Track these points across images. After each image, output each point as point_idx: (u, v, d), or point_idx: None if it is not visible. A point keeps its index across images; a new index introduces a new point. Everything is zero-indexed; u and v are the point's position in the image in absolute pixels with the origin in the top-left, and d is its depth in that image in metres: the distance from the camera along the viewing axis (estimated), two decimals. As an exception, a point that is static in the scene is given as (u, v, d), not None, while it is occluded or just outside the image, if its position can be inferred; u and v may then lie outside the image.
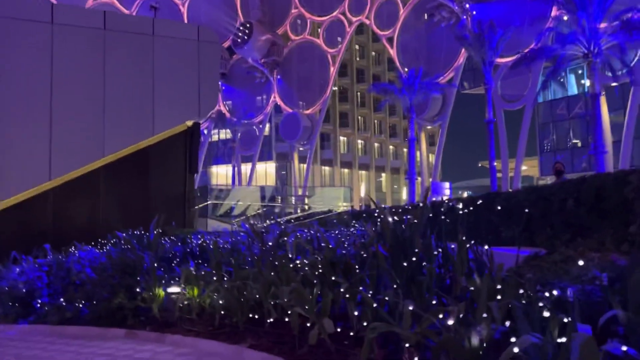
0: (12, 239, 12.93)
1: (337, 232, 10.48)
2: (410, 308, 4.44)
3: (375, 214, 8.05)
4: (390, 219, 6.04)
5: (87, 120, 14.60)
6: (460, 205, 5.76)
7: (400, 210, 8.83)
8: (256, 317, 6.96)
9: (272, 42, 58.89)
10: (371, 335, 4.43)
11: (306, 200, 39.14)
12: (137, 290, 8.63)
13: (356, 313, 5.23)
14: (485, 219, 8.22)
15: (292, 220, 16.74)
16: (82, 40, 14.55)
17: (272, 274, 7.19)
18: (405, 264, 5.51)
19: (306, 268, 6.65)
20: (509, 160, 41.76)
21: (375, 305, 4.80)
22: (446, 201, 7.29)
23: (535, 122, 43.44)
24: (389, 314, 4.81)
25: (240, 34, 58.15)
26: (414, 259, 5.52)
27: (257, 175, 61.41)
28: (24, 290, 9.66)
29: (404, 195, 64.75)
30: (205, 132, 59.06)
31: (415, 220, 5.86)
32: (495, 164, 37.26)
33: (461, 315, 4.11)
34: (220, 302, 7.25)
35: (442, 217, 6.43)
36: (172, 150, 15.64)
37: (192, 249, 10.84)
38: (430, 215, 6.43)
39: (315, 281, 6.24)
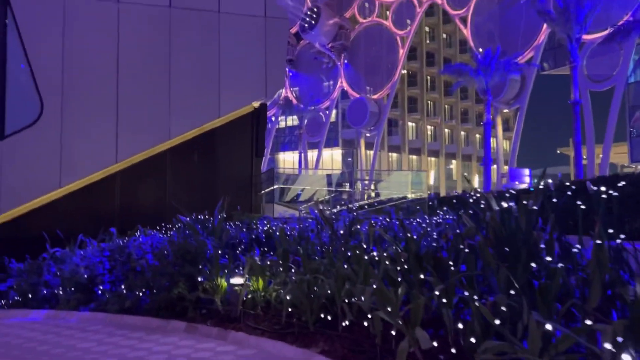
0: (80, 223, 12.77)
1: (417, 220, 9.36)
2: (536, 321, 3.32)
3: (471, 200, 6.86)
4: (495, 206, 4.87)
5: (153, 101, 14.22)
6: (603, 188, 4.46)
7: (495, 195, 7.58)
8: (328, 317, 6.02)
9: (340, 26, 57.69)
10: (484, 356, 3.35)
11: (373, 186, 38.02)
12: (199, 279, 7.95)
13: (460, 325, 4.10)
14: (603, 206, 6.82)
15: (365, 207, 15.72)
16: (148, 19, 14.14)
17: (346, 267, 6.23)
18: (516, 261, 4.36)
19: (387, 262, 5.61)
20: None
21: (491, 316, 3.67)
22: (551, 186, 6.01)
23: (626, 105, 39.74)
24: (502, 326, 3.72)
25: (307, 19, 57.36)
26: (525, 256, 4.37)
27: (323, 162, 60.78)
28: (85, 276, 9.27)
29: (476, 183, 61.90)
30: (273, 119, 59.02)
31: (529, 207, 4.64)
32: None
33: (619, 338, 2.95)
34: (288, 297, 6.37)
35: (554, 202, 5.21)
36: (238, 133, 15.02)
37: (258, 235, 10.10)
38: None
39: (399, 279, 5.21)
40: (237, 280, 7.38)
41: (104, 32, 13.82)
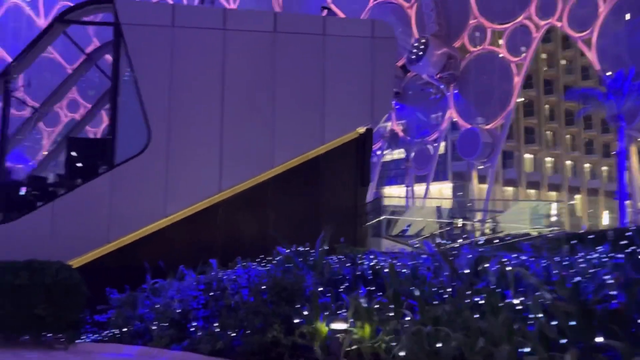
0: (182, 253, 12.40)
1: (559, 259, 7.59)
2: None
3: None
4: None
5: (257, 128, 13.77)
6: None
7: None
8: (457, 384, 4.62)
9: (449, 55, 55.83)
10: None
11: (488, 219, 35.14)
12: (296, 321, 6.88)
13: None
14: None
15: (487, 242, 13.89)
16: (252, 46, 13.85)
17: (476, 317, 4.82)
18: None
19: (540, 315, 4.14)
20: None
21: None
22: None
23: None
24: None
25: (415, 51, 56.30)
26: None
27: (431, 196, 58.29)
28: (178, 311, 8.61)
29: (605, 220, 55.71)
30: (378, 152, 58.04)
31: None
32: None
33: None
34: (402, 353, 5.06)
35: None
36: (343, 160, 14.07)
37: (364, 272, 8.88)
38: None
39: (563, 340, 3.73)
40: (339, 325, 6.20)
41: (210, 60, 13.73)
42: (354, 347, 5.91)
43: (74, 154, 13.98)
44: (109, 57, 15.60)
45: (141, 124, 13.33)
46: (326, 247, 9.47)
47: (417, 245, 14.38)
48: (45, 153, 17.09)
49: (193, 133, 13.53)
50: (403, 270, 8.34)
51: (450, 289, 6.74)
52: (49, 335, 9.69)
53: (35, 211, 12.53)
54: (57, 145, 18.41)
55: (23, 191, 13.71)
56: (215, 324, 7.99)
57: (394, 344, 5.42)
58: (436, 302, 6.30)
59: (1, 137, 12.84)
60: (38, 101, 17.39)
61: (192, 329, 8.38)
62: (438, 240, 12.23)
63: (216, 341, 7.66)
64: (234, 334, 7.46)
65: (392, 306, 6.30)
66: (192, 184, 13.38)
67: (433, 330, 4.93)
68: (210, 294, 8.53)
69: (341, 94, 13.91)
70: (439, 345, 4.75)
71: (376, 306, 6.30)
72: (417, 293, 6.72)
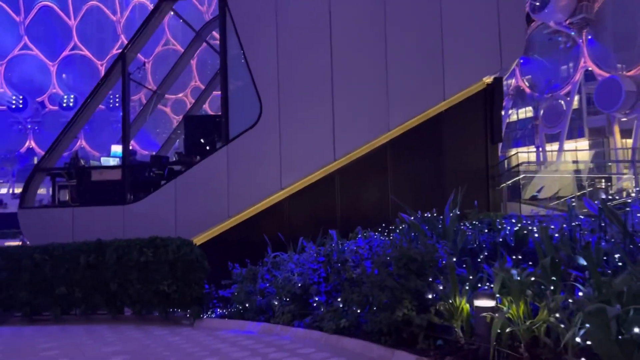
0: (301, 225, 11.96)
1: None
2: None
3: None
4: None
5: (369, 91, 12.76)
6: None
7: None
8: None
9: (579, -3, 49.81)
10: None
11: None
12: (429, 296, 5.89)
13: None
14: None
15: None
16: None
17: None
18: None
19: None
20: None
21: None
22: None
23: None
24: None
25: (538, -3, 51.01)
26: None
27: (565, 156, 53.13)
28: (299, 285, 8.03)
29: None
30: (502, 112, 53.97)
31: None
32: None
33: None
34: (578, 339, 3.86)
35: None
36: (468, 116, 12.60)
37: (506, 238, 7.61)
38: None
39: None
40: (485, 301, 5.10)
41: (316, 23, 12.89)
42: (508, 329, 4.78)
43: (191, 132, 14.09)
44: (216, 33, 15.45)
45: (253, 96, 12.98)
46: (457, 213, 8.30)
47: (557, 208, 12.47)
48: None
49: (304, 101, 12.88)
50: (556, 235, 6.97)
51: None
52: (177, 311, 9.71)
53: (158, 190, 12.79)
54: (177, 126, 18.90)
55: (151, 172, 14.13)
56: (338, 300, 7.28)
57: (562, 326, 4.24)
58: (610, 272, 4.95)
59: (124, 120, 13.21)
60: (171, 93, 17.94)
61: (314, 305, 7.77)
62: (602, 196, 10.38)
63: (340, 318, 6.95)
64: (359, 311, 6.68)
65: (552, 277, 5.04)
66: (306, 154, 12.80)
67: (623, 312, 3.68)
68: (331, 266, 7.82)
69: (463, 41, 12.37)
70: (637, 330, 3.50)
71: (532, 278, 5.08)
72: (581, 261, 5.39)
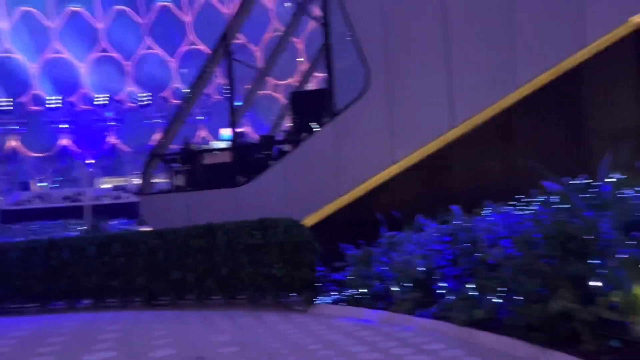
0: (417, 202, 10.84)
1: None
2: None
3: None
4: None
5: (490, 45, 11.18)
6: None
7: None
8: None
9: None
10: None
11: None
12: (595, 284, 4.60)
13: None
14: None
15: None
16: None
17: None
18: None
19: None
20: None
21: None
22: None
23: None
24: None
25: None
26: None
27: None
28: (421, 269, 7.01)
29: None
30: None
31: None
32: None
33: None
34: None
35: None
36: (615, 65, 10.57)
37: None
38: None
39: None
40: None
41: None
42: None
43: (297, 108, 13.50)
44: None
45: (359, 65, 12.03)
46: (615, 179, 6.72)
47: None
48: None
49: (415, 66, 11.64)
50: None
51: None
52: (291, 296, 9.14)
53: (267, 171, 12.36)
54: (284, 105, 18.45)
55: (260, 153, 13.79)
56: (469, 286, 6.18)
57: None
58: None
59: (230, 101, 12.94)
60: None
61: (440, 292, 6.72)
62: None
63: (473, 308, 5.85)
64: (499, 300, 5.54)
65: None
66: (420, 123, 11.58)
67: None
68: (458, 246, 6.71)
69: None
70: None
71: None
72: None
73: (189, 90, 13.45)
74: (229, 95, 12.79)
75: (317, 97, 13.43)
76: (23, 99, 66.44)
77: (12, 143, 65.76)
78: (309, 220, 11.12)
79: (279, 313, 8.46)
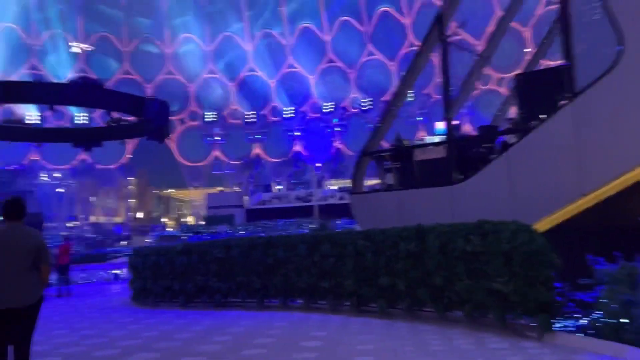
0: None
1: None
2: None
3: None
4: None
5: None
6: None
7: None
8: None
9: None
10: None
11: None
12: None
13: None
14: None
15: None
16: None
17: None
18: None
19: None
20: None
21: None
22: None
23: None
24: None
25: None
26: None
27: None
28: None
29: None
30: None
31: None
32: None
33: None
34: None
35: None
36: None
37: None
38: None
39: None
40: None
41: None
42: None
43: (524, 92, 11.51)
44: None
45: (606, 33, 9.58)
46: None
47: None
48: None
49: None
50: None
51: None
52: (519, 316, 7.44)
53: (488, 166, 10.70)
54: (508, 92, 16.23)
55: (479, 146, 12.17)
56: None
57: None
58: None
59: (445, 88, 11.63)
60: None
61: None
62: None
63: None
64: None
65: None
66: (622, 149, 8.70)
67: None
68: None
69: None
70: None
71: None
72: None
73: (400, 84, 12.55)
74: (444, 84, 11.48)
75: (551, 77, 11.23)
76: (264, 111, 74.97)
77: (256, 150, 74.67)
78: (541, 226, 9.11)
79: (505, 338, 6.89)
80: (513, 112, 13.75)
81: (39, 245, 4.94)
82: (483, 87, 63.15)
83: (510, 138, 11.79)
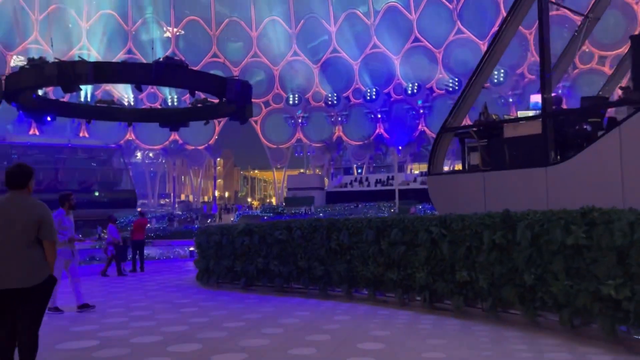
0: None
1: None
2: None
3: None
4: None
5: None
6: None
7: None
8: None
9: None
10: None
11: None
12: None
13: None
14: None
15: None
16: None
17: None
18: None
19: None
20: None
21: None
22: None
23: None
24: None
25: None
26: None
27: None
28: None
29: None
30: None
31: None
32: None
33: None
34: None
35: None
36: None
37: None
38: None
39: None
40: None
41: None
42: None
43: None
44: None
45: None
46: None
47: None
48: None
49: None
50: None
51: None
52: (638, 334, 5.88)
53: (594, 143, 8.94)
54: (622, 57, 13.80)
55: (583, 120, 10.36)
56: None
57: None
58: None
59: (542, 53, 9.92)
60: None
61: None
62: None
63: None
64: None
65: None
66: None
67: None
68: None
69: None
70: None
71: None
72: None
73: (486, 54, 10.95)
74: (540, 47, 9.77)
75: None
76: (346, 93, 73.73)
77: (338, 132, 73.83)
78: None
79: (615, 356, 5.43)
80: (624, 80, 11.66)
81: (42, 219, 4.25)
82: (584, 66, 57.90)
83: (621, 113, 9.91)
